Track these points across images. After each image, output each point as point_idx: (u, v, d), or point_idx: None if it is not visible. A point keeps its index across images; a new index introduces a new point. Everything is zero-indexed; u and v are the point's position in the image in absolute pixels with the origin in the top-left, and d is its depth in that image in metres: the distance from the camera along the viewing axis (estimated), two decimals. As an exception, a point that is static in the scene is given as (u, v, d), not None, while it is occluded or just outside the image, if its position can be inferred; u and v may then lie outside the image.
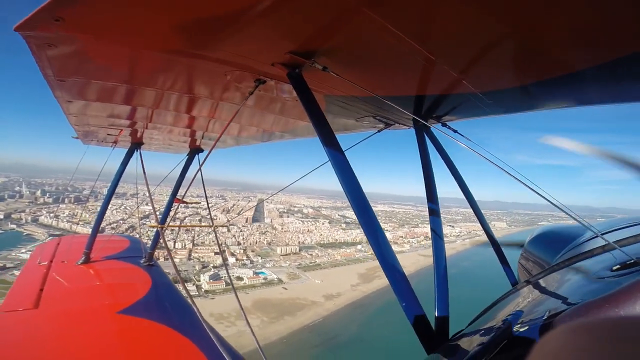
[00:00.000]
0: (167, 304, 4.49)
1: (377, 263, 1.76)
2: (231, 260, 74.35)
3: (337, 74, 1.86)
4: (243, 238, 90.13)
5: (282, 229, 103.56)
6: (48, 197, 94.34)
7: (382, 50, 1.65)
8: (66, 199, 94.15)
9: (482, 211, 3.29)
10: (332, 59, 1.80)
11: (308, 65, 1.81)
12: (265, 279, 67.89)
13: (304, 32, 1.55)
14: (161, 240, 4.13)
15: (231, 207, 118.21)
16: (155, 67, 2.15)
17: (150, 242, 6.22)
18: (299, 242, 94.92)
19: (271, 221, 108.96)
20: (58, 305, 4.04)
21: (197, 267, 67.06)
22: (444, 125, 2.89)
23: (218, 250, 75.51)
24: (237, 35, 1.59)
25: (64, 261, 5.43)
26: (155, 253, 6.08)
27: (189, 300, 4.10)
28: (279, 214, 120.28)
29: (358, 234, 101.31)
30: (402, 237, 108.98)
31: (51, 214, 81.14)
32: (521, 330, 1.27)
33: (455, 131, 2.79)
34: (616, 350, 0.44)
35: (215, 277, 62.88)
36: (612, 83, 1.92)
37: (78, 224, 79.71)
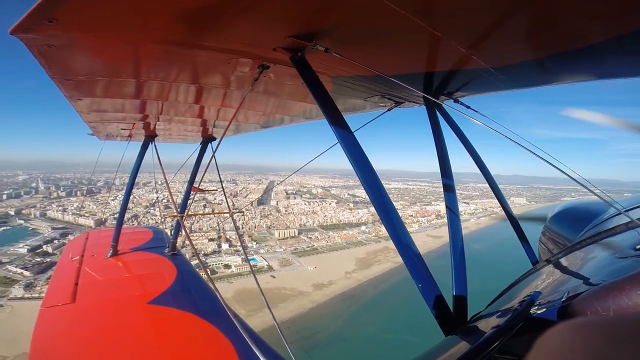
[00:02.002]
0: (192, 292, 4.59)
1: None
2: (224, 246, 71.84)
3: (340, 55, 1.81)
4: (243, 222, 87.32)
5: (285, 211, 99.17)
6: (62, 192, 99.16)
7: (385, 29, 1.61)
8: (78, 192, 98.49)
9: (500, 186, 3.19)
10: (334, 40, 1.76)
11: (310, 48, 1.78)
12: (254, 266, 64.20)
13: (301, 14, 1.52)
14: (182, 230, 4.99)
15: (239, 191, 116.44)
16: (158, 60, 2.14)
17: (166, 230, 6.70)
18: (300, 224, 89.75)
19: (277, 203, 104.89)
20: (93, 298, 4.31)
21: (187, 255, 65.37)
22: (456, 101, 2.82)
23: (212, 237, 74.08)
24: (235, 23, 1.59)
25: (93, 255, 5.67)
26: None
27: (212, 287, 4.65)
28: (286, 195, 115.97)
29: (365, 213, 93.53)
30: (411, 216, 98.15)
31: (59, 208, 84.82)
32: (538, 312, 1.23)
33: (468, 107, 2.73)
34: (634, 333, 0.40)
35: (198, 266, 60.56)
36: (635, 55, 1.83)
37: (82, 215, 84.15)
